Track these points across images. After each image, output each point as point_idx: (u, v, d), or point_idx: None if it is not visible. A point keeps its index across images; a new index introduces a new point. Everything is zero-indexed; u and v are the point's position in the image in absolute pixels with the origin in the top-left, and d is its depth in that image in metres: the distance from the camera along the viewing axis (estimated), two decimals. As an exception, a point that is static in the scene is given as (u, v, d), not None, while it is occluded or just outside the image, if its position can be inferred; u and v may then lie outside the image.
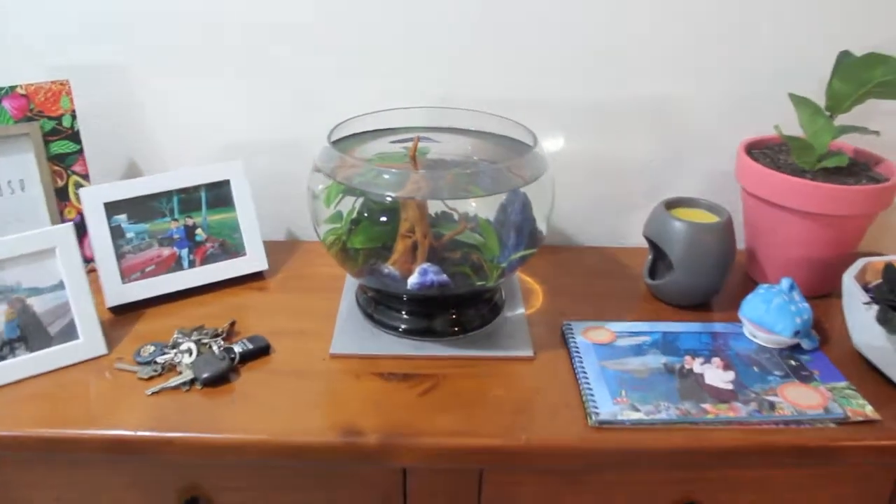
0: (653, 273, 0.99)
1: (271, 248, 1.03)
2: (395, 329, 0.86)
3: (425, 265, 0.80)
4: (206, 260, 0.95)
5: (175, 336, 0.83)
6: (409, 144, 0.88)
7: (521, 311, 0.91)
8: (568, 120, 1.05)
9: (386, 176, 0.80)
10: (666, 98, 1.04)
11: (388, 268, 0.81)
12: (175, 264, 0.94)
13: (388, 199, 0.80)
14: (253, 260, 0.98)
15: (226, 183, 0.97)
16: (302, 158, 1.01)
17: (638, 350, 0.84)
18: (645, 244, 0.98)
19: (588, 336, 0.86)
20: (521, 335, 0.86)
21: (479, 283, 0.83)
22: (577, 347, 0.84)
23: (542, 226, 0.85)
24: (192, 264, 0.95)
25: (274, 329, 0.87)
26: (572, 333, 0.86)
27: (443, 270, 0.80)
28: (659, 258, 0.98)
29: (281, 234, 1.13)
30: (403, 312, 0.86)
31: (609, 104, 1.04)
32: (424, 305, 0.85)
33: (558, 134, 1.06)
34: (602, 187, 1.10)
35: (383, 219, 0.83)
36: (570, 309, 0.93)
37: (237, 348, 0.81)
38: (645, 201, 1.09)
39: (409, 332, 0.85)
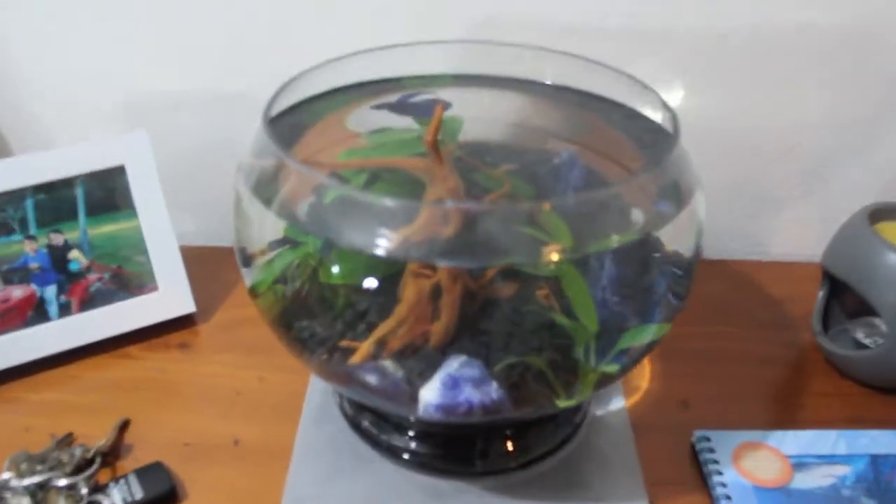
0: (826, 319, 0.60)
1: (203, 264, 0.65)
2: (398, 455, 0.48)
3: (455, 365, 0.41)
4: (88, 303, 0.58)
5: (1, 476, 0.47)
6: (424, 118, 0.49)
7: (618, 404, 0.53)
8: (682, 62, 0.64)
9: (380, 211, 0.40)
10: (856, 27, 0.62)
11: (378, 365, 0.43)
12: (34, 313, 0.56)
13: (384, 258, 0.41)
14: (170, 297, 0.60)
15: (117, 172, 0.58)
16: (246, 119, 0.62)
17: (835, 498, 0.47)
18: (802, 257, 0.60)
19: (742, 466, 0.48)
20: (623, 464, 0.49)
21: (561, 402, 0.44)
22: (726, 492, 0.46)
23: (683, 284, 0.45)
24: (64, 311, 0.57)
25: (197, 438, 0.50)
26: (715, 461, 0.49)
27: (490, 373, 0.41)
28: (838, 296, 0.60)
29: (220, 236, 0.74)
30: (413, 430, 0.49)
31: (753, 38, 0.63)
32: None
33: (670, 86, 0.65)
34: (731, 170, 0.69)
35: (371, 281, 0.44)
36: (698, 396, 0.55)
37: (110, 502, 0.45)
38: (801, 194, 0.69)
39: (422, 464, 0.48)
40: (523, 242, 0.40)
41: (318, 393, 0.53)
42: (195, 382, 0.56)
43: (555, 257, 0.40)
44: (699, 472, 0.49)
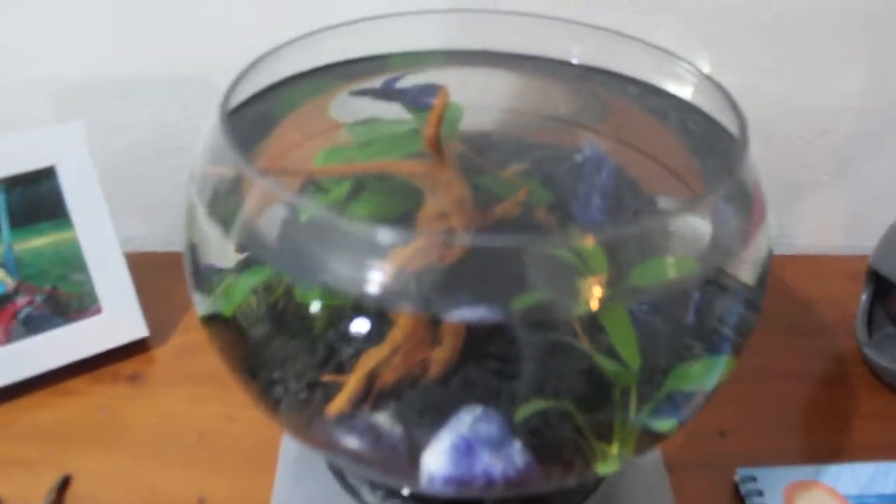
0: (870, 323, 0.53)
1: (156, 274, 0.56)
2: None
3: (468, 422, 0.33)
4: (17, 332, 0.48)
5: None
6: (415, 106, 0.40)
7: (648, 440, 0.46)
8: (705, 34, 0.56)
9: (363, 241, 0.31)
10: None
11: (367, 419, 0.35)
12: (-50, 347, 0.47)
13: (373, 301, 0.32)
14: (117, 321, 0.51)
15: (46, 174, 0.48)
16: (203, 106, 0.53)
17: (906, 545, 0.40)
18: (830, 249, 0.54)
19: (798, 510, 0.42)
20: (655, 502, 0.42)
21: (602, 466, 0.36)
22: (782, 545, 0.40)
23: (751, 313, 0.38)
24: (-13, 342, 0.48)
25: (154, 496, 0.42)
26: (763, 500, 0.42)
27: (510, 427, 0.34)
28: (881, 298, 0.53)
29: (174, 241, 0.65)
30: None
31: (786, 8, 0.55)
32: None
33: (697, 56, 0.57)
34: (756, 153, 0.62)
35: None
36: (734, 421, 0.48)
37: None
38: (831, 181, 0.62)
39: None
40: (551, 274, 0.32)
41: (298, 436, 0.45)
42: (150, 423, 0.47)
43: (595, 296, 0.32)
44: (747, 519, 0.42)
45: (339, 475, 0.42)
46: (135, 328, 0.51)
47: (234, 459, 0.45)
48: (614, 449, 0.36)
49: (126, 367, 0.51)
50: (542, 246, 0.30)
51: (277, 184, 0.32)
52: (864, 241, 0.65)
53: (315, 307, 0.35)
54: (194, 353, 0.52)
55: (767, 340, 0.55)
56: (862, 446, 0.47)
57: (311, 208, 0.32)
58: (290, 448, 0.44)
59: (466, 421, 0.33)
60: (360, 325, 0.34)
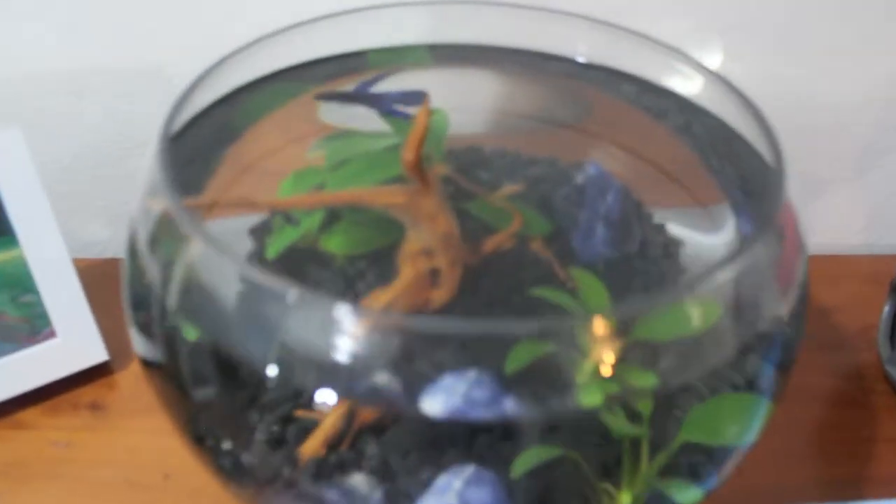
0: (893, 336, 0.49)
1: (116, 282, 0.51)
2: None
3: (459, 484, 0.29)
4: (-39, 361, 0.44)
5: None
6: (394, 115, 0.35)
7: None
8: (720, 20, 0.51)
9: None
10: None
11: (343, 483, 0.31)
12: None
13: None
14: (73, 345, 0.46)
15: (-15, 187, 0.43)
16: (164, 99, 0.48)
17: None
18: (846, 248, 0.51)
19: (821, 560, 0.38)
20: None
21: None
22: None
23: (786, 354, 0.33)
24: (-73, 374, 0.43)
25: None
26: (782, 549, 0.38)
27: (509, 490, 0.29)
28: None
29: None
30: None
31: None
32: None
33: (703, 49, 0.51)
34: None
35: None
36: (758, 456, 0.44)
37: None
38: (854, 176, 0.58)
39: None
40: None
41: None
42: (112, 460, 0.43)
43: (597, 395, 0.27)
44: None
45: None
46: (93, 352, 0.47)
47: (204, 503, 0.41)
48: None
49: (85, 394, 0.46)
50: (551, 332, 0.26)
51: (216, 244, 0.27)
52: (884, 240, 0.61)
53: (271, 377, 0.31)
54: (160, 376, 0.48)
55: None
56: (885, 478, 0.43)
57: (255, 278, 0.26)
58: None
59: (456, 483, 0.29)
60: (324, 397, 0.29)
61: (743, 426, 0.34)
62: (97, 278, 0.48)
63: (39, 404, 0.45)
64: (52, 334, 0.45)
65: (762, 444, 0.44)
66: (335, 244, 0.32)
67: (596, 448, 0.33)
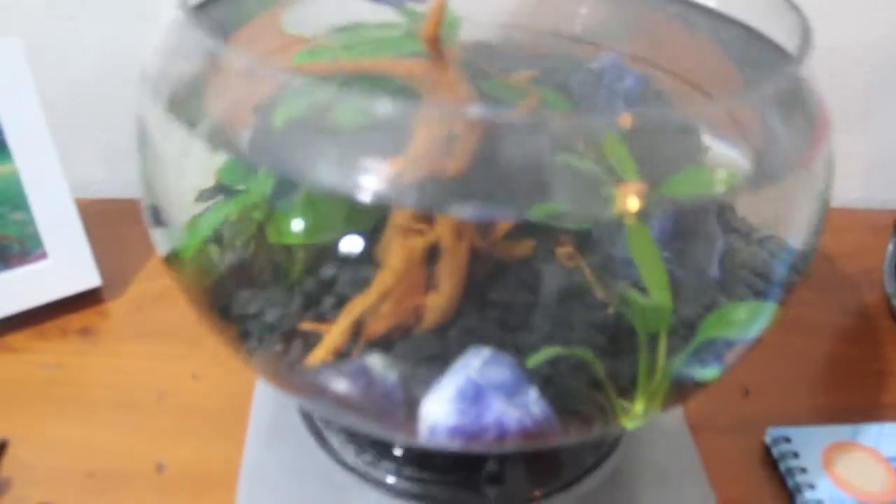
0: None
1: (113, 222, 0.50)
2: (381, 482, 0.35)
3: (476, 365, 0.28)
4: (-53, 277, 0.42)
5: None
6: (402, 4, 0.35)
7: (667, 398, 0.41)
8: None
9: (366, 108, 0.26)
10: None
11: (356, 363, 0.29)
12: None
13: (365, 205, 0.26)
14: (65, 267, 0.45)
15: (-21, 96, 0.42)
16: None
17: (958, 512, 0.36)
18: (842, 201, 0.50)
19: (838, 474, 0.37)
20: (688, 479, 0.37)
21: (628, 421, 0.31)
22: (817, 500, 0.35)
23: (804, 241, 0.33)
24: (-88, 289, 0.41)
25: (105, 464, 0.36)
26: (802, 468, 0.37)
27: (524, 374, 0.28)
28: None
29: (134, 186, 0.58)
30: (400, 445, 0.36)
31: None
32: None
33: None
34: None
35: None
36: (758, 379, 0.43)
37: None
38: (852, 127, 0.58)
39: (414, 494, 0.35)
40: (573, 180, 0.27)
41: (273, 395, 0.39)
42: (103, 382, 0.41)
43: (632, 205, 0.26)
44: (781, 483, 0.37)
45: (319, 436, 0.37)
46: (86, 276, 0.45)
47: (198, 423, 0.39)
48: (639, 404, 0.32)
49: (75, 320, 0.45)
50: (564, 126, 0.25)
51: (264, 65, 0.26)
52: (883, 194, 0.61)
53: (297, 226, 0.30)
54: (154, 305, 0.46)
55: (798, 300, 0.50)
56: (893, 404, 0.43)
57: (309, 88, 0.25)
58: (263, 408, 0.39)
59: (474, 363, 0.28)
60: (350, 245, 0.28)
61: (761, 322, 0.33)
62: (90, 217, 0.46)
63: (28, 328, 0.44)
64: (42, 255, 0.44)
65: (778, 374, 0.44)
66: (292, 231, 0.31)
67: (612, 347, 0.32)
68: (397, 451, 0.35)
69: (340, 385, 0.29)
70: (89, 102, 0.53)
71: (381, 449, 0.35)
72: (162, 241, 0.34)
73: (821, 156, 0.30)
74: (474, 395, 0.27)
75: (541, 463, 0.36)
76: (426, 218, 0.31)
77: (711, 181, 0.28)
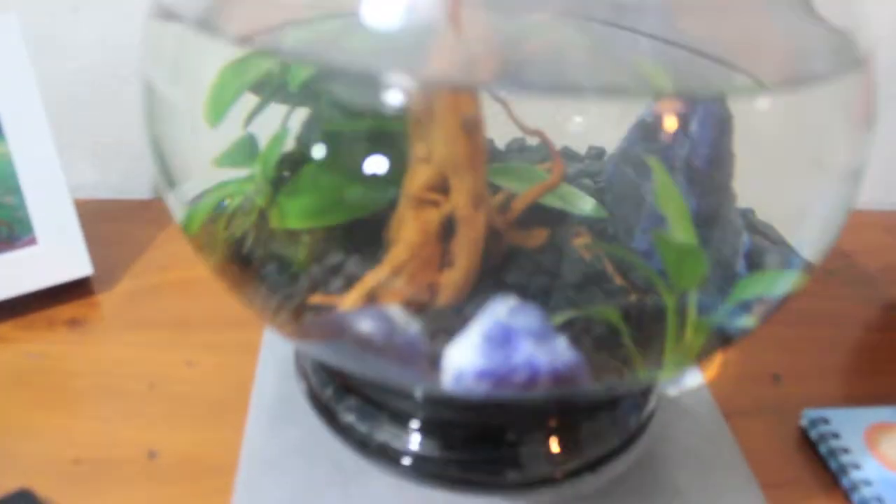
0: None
1: (108, 221, 0.48)
2: (396, 461, 0.32)
3: (503, 312, 0.26)
4: (-71, 260, 0.40)
5: None
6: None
7: (695, 381, 0.39)
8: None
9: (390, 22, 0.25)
10: None
11: (384, 313, 0.27)
12: None
13: (391, 95, 0.25)
14: (55, 254, 0.42)
15: (-28, 72, 0.40)
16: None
17: None
18: (869, 203, 0.48)
19: (884, 454, 0.35)
20: (725, 463, 0.34)
21: (648, 371, 0.29)
22: (875, 493, 0.32)
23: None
24: None
25: (92, 451, 0.34)
26: (845, 449, 0.35)
27: (549, 325, 0.26)
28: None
29: (131, 187, 0.56)
30: (417, 418, 0.33)
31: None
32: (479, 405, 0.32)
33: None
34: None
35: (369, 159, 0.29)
36: (787, 367, 0.41)
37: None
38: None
39: (430, 474, 0.32)
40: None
41: (274, 378, 0.37)
42: (91, 371, 0.38)
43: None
44: (822, 465, 0.35)
45: (328, 415, 0.34)
46: (77, 264, 0.43)
47: (193, 409, 0.36)
48: (669, 352, 0.29)
49: (65, 311, 0.42)
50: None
51: None
52: (890, 198, 0.60)
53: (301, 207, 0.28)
54: (147, 297, 0.44)
55: (808, 285, 0.49)
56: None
57: None
58: (264, 391, 0.36)
59: (501, 311, 0.26)
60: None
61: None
62: (85, 215, 0.45)
63: (14, 317, 0.41)
64: (32, 241, 0.42)
65: (806, 360, 0.41)
66: (295, 213, 0.30)
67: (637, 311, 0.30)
68: (414, 425, 0.32)
69: (362, 334, 0.26)
70: (84, 98, 0.52)
71: (396, 426, 0.32)
72: (176, 207, 0.32)
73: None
74: (503, 338, 0.25)
75: (563, 441, 0.33)
76: (441, 189, 0.30)
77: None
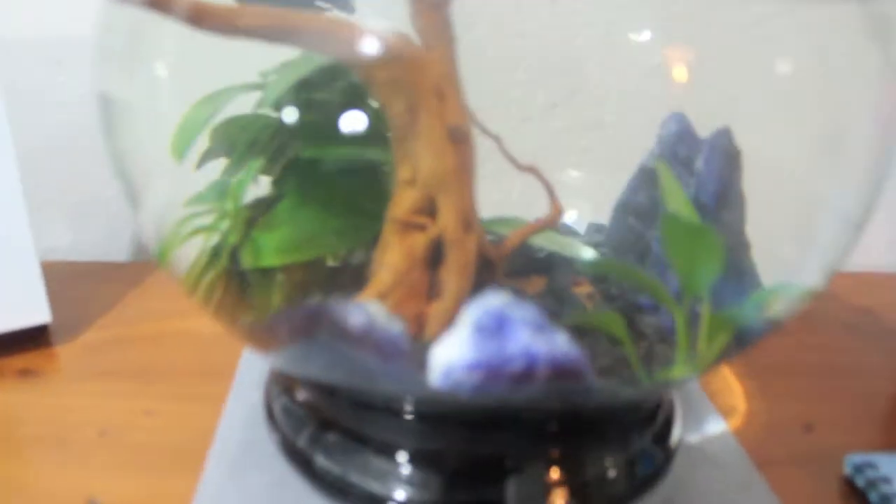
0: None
1: (75, 280, 0.45)
2: (380, 501, 0.28)
3: (495, 303, 0.23)
4: None
5: None
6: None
7: (718, 427, 0.34)
8: None
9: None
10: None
11: (365, 308, 0.24)
12: None
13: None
14: (10, 299, 0.39)
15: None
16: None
17: None
18: (882, 266, 0.46)
19: (941, 503, 0.30)
20: (753, 500, 0.30)
21: (654, 380, 0.25)
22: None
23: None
24: None
25: (32, 495, 0.29)
26: (895, 489, 0.30)
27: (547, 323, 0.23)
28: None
29: (107, 250, 0.54)
30: (405, 444, 0.28)
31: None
32: (477, 423, 0.28)
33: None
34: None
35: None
36: (822, 419, 0.37)
37: None
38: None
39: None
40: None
41: (240, 425, 0.32)
42: (38, 420, 0.34)
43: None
44: (869, 517, 0.30)
45: (299, 458, 0.29)
46: (34, 310, 0.39)
47: (146, 458, 0.32)
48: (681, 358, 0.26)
49: (16, 361, 0.38)
50: None
51: None
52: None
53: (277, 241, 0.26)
54: (112, 349, 0.40)
55: (827, 339, 0.45)
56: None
57: None
58: (228, 436, 0.32)
59: (492, 302, 0.22)
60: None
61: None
62: (49, 274, 0.42)
63: (-43, 367, 0.37)
64: (-14, 283, 0.38)
65: (837, 410, 0.37)
66: (271, 248, 0.28)
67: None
68: (401, 459, 0.27)
69: (347, 322, 0.23)
70: (60, 155, 0.50)
71: (381, 461, 0.28)
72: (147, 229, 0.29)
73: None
74: (496, 326, 0.21)
75: (571, 481, 0.28)
76: (428, 212, 0.27)
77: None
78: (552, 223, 0.31)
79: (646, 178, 0.33)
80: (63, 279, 0.46)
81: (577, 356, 0.22)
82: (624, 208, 0.34)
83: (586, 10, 0.31)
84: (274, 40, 0.25)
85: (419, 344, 0.23)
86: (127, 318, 0.43)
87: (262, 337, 0.27)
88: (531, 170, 0.30)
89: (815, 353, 0.43)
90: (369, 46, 0.24)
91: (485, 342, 0.21)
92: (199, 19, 0.24)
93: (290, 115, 0.29)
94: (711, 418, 0.35)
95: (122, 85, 0.28)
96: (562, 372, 0.21)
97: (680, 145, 0.32)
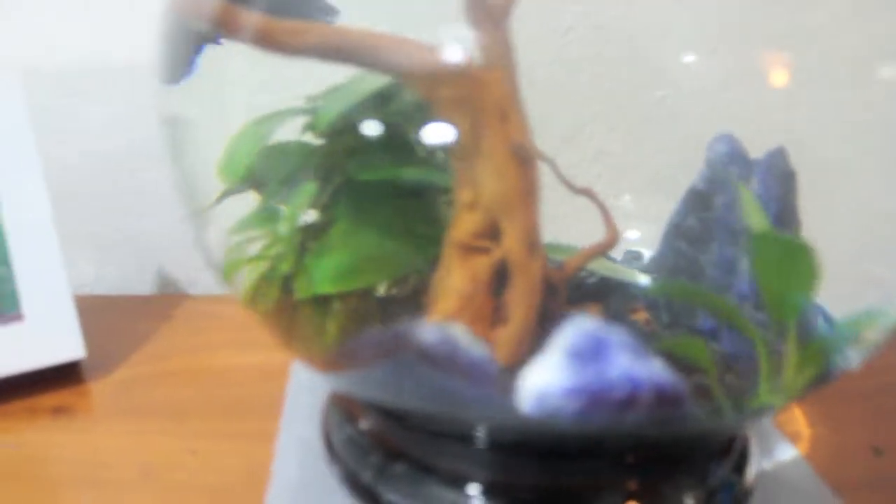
0: None
1: (106, 314, 0.44)
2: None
3: (589, 328, 0.21)
4: None
5: None
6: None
7: (788, 454, 0.33)
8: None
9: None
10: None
11: (446, 330, 0.22)
12: None
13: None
14: (43, 332, 0.37)
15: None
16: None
17: None
18: None
19: None
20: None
21: (769, 396, 0.23)
22: None
23: None
24: None
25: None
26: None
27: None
28: None
29: (134, 284, 0.52)
30: (477, 475, 0.27)
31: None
32: (551, 454, 0.26)
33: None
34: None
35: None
36: (886, 439, 0.36)
37: None
38: None
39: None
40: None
41: (296, 462, 0.31)
42: (74, 460, 0.32)
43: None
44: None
45: (368, 495, 0.28)
46: (68, 345, 0.38)
47: (192, 499, 0.30)
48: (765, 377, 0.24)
49: (49, 399, 0.37)
50: None
51: None
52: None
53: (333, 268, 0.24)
54: (147, 386, 0.38)
55: (890, 360, 0.44)
56: None
57: None
58: (285, 474, 0.30)
59: (586, 324, 0.21)
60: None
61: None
62: (82, 309, 0.40)
63: (-12, 408, 0.36)
64: (18, 317, 0.37)
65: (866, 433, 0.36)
66: (325, 275, 0.27)
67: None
68: (472, 491, 0.26)
69: (427, 345, 0.21)
70: (87, 185, 0.49)
71: (453, 494, 0.26)
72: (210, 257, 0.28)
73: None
74: (594, 351, 0.20)
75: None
76: (490, 236, 0.26)
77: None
78: (609, 247, 0.30)
79: (696, 201, 0.32)
80: (91, 313, 0.45)
81: (678, 382, 0.20)
82: (674, 232, 0.33)
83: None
84: (338, 59, 0.24)
85: (501, 369, 0.22)
86: (159, 353, 0.42)
87: (337, 361, 0.25)
88: (587, 192, 0.29)
89: (875, 376, 0.42)
90: (435, 62, 0.24)
91: (583, 366, 0.20)
92: (266, 39, 0.23)
93: (345, 138, 0.28)
94: (781, 445, 0.33)
95: (192, 106, 0.27)
96: (664, 398, 0.20)
97: (731, 167, 0.31)
